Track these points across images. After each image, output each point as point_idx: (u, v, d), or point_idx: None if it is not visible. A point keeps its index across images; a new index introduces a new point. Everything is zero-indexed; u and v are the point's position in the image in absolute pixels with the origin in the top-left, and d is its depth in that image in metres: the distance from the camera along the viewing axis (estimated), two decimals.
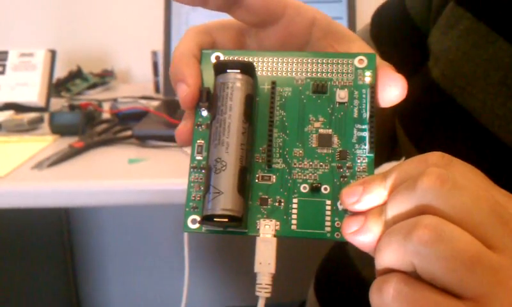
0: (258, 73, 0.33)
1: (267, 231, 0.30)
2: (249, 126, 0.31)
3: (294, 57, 0.33)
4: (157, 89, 1.19)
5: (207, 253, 1.44)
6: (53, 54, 1.11)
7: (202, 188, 0.31)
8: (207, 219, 0.30)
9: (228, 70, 0.31)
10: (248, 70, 0.32)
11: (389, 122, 0.52)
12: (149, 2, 1.28)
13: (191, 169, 0.32)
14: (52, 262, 1.44)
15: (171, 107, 1.00)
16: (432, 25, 0.48)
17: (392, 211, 0.27)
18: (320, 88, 0.32)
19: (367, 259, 0.53)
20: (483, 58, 0.40)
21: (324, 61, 0.33)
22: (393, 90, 0.31)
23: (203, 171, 0.31)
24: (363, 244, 0.28)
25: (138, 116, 0.94)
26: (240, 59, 0.33)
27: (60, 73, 1.22)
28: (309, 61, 0.33)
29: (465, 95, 0.41)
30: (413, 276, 0.25)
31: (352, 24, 1.07)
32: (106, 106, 1.03)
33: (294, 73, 0.33)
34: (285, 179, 0.31)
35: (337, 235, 0.30)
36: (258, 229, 0.30)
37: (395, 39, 0.54)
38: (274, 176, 0.31)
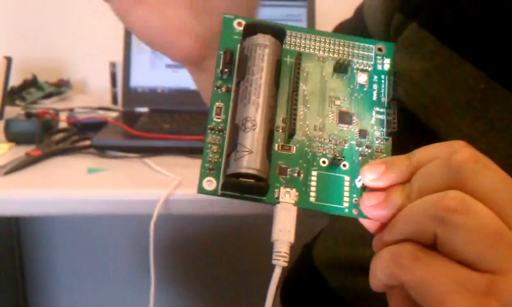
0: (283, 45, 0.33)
1: (288, 199, 0.30)
2: (276, 91, 0.31)
3: (317, 35, 0.34)
4: (114, 101, 1.18)
5: (173, 269, 1.43)
6: (9, 60, 1.09)
7: (220, 150, 0.30)
8: (231, 177, 0.29)
9: (259, 33, 0.31)
10: (279, 34, 0.32)
11: None
12: (109, 13, 1.27)
13: (208, 130, 0.31)
14: (0, 275, 1.40)
15: (131, 118, 1.00)
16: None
17: (420, 185, 0.28)
18: (342, 68, 0.33)
19: (334, 268, 0.54)
20: (447, 79, 0.42)
21: (345, 44, 0.34)
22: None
23: (220, 133, 0.31)
24: (382, 217, 0.29)
25: (96, 126, 0.93)
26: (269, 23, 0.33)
27: (14, 81, 1.20)
28: (331, 41, 0.34)
29: (429, 114, 0.42)
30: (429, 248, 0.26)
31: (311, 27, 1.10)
32: (62, 116, 1.02)
33: (316, 50, 0.34)
34: (305, 151, 0.31)
35: (355, 211, 0.31)
36: (277, 197, 0.30)
37: None
38: (294, 147, 0.31)
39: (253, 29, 0.32)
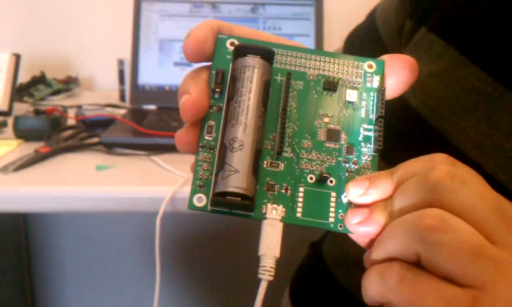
0: (273, 64, 0.34)
1: (274, 215, 0.31)
2: (264, 111, 0.32)
3: (307, 53, 0.35)
4: (122, 98, 1.19)
5: (178, 264, 1.43)
6: (17, 58, 1.09)
7: (210, 168, 0.31)
8: (218, 196, 0.30)
9: (248, 55, 0.32)
10: (267, 56, 0.33)
11: None
12: (117, 10, 1.27)
13: (199, 148, 0.32)
14: (8, 272, 1.41)
15: (138, 116, 1.00)
16: (403, 49, 0.49)
17: (400, 203, 0.28)
18: (331, 85, 0.34)
19: (344, 265, 0.54)
20: (454, 81, 0.42)
21: (335, 61, 0.35)
22: (404, 72, 0.33)
23: (211, 151, 0.32)
24: (366, 234, 0.30)
25: (105, 123, 0.93)
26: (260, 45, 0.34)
27: (23, 78, 1.20)
28: (321, 59, 0.35)
29: (436, 116, 0.43)
30: (414, 265, 0.27)
31: (319, 42, 1.10)
32: (71, 112, 1.02)
33: (306, 69, 0.34)
34: (293, 168, 0.32)
35: (340, 226, 0.31)
36: (264, 213, 0.31)
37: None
38: (282, 164, 0.32)
39: (242, 50, 0.32)
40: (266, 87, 0.32)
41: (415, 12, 0.48)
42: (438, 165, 0.28)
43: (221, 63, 0.34)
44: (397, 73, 0.33)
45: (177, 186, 0.70)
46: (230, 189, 0.30)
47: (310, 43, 1.10)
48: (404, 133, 0.46)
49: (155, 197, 0.70)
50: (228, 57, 0.34)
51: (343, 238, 0.57)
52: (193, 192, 0.31)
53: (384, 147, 0.49)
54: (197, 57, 0.33)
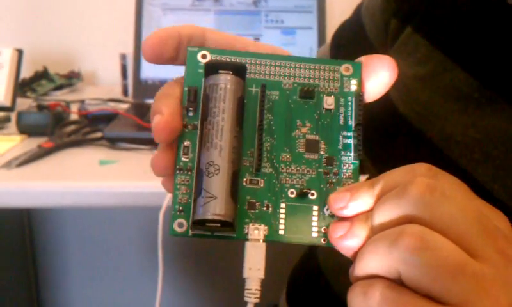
0: (246, 75, 0.32)
1: (256, 235, 0.30)
2: (240, 130, 0.31)
3: (281, 61, 0.33)
4: (125, 92, 1.19)
5: (181, 259, 1.44)
6: (20, 53, 1.09)
7: (189, 191, 0.30)
8: (197, 224, 0.29)
9: (219, 71, 0.31)
10: (239, 71, 0.31)
11: None
12: (119, 5, 1.27)
13: (176, 171, 0.31)
14: (13, 266, 1.41)
15: (141, 110, 1.00)
16: (389, 49, 0.48)
17: (379, 218, 0.28)
18: (308, 93, 0.32)
19: (338, 273, 0.53)
20: (440, 86, 0.41)
21: (311, 67, 0.33)
22: (383, 72, 0.32)
23: (189, 172, 0.31)
24: (349, 248, 0.29)
25: (108, 118, 0.93)
26: (231, 59, 0.32)
27: (26, 73, 1.20)
28: (296, 65, 0.33)
29: (423, 121, 0.42)
30: (397, 283, 0.26)
31: (322, 34, 1.09)
32: (74, 107, 1.02)
33: (281, 77, 0.33)
34: (273, 183, 0.31)
35: (324, 240, 0.30)
36: (246, 233, 0.30)
37: (354, 58, 0.55)
38: (262, 181, 0.31)
39: (213, 67, 0.31)
40: (240, 105, 0.31)
41: (400, 10, 0.46)
42: (417, 179, 0.27)
43: (193, 79, 0.32)
44: (376, 75, 0.32)
45: None
46: (209, 217, 0.29)
47: (312, 35, 1.10)
48: (392, 137, 0.45)
49: (158, 191, 0.70)
50: (200, 70, 0.32)
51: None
52: (173, 218, 0.30)
53: (373, 152, 0.48)
54: (154, 59, 0.32)
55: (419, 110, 0.42)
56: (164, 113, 0.30)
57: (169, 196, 0.68)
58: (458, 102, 0.40)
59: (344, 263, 0.53)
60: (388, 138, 0.45)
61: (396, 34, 0.46)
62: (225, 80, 0.31)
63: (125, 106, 1.06)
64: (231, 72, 0.31)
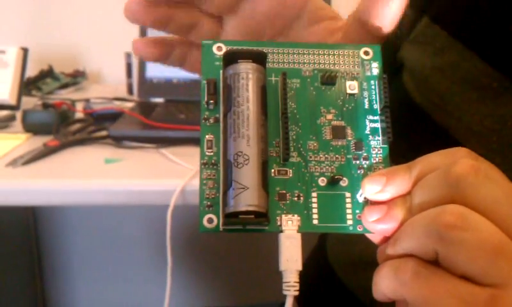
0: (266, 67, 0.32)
1: (290, 226, 0.29)
2: (265, 119, 0.30)
3: (299, 48, 0.33)
4: (130, 91, 1.19)
5: (188, 257, 1.43)
6: (25, 52, 1.09)
7: (216, 185, 0.30)
8: (230, 217, 0.28)
9: (239, 60, 0.30)
10: (260, 59, 0.31)
11: None
12: (124, 3, 1.27)
13: (201, 166, 0.30)
14: (18, 265, 1.41)
15: (146, 109, 1.00)
16: (405, 38, 0.47)
17: (419, 199, 0.27)
18: (329, 79, 0.32)
19: (348, 267, 0.53)
20: (458, 76, 0.41)
21: (330, 53, 0.33)
22: (392, 5, 0.32)
23: (214, 166, 0.30)
24: (384, 231, 0.29)
25: (113, 116, 0.93)
26: (249, 49, 0.31)
27: (31, 71, 1.21)
28: (315, 52, 0.33)
29: (440, 112, 0.41)
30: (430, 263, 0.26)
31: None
32: (79, 106, 1.02)
33: (300, 65, 0.32)
34: (302, 173, 0.31)
35: (360, 227, 0.30)
36: (279, 225, 0.29)
37: None
38: (290, 170, 0.30)
39: (232, 57, 0.30)
40: (263, 93, 0.30)
41: (416, 0, 0.47)
42: (461, 159, 0.26)
43: (211, 71, 0.32)
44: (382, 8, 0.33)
45: (187, 179, 0.70)
46: (243, 208, 0.28)
47: None
48: (407, 129, 0.45)
49: (164, 190, 0.70)
50: (217, 63, 0.32)
51: (345, 236, 0.56)
52: (202, 214, 0.29)
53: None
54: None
55: (436, 101, 0.42)
56: None
57: (177, 194, 0.68)
58: (476, 91, 0.39)
59: (354, 258, 0.54)
60: (404, 129, 0.45)
61: (412, 24, 0.46)
62: (246, 68, 0.30)
63: (130, 105, 1.06)
64: (251, 60, 0.30)
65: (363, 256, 0.51)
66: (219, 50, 0.32)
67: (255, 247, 1.40)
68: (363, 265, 0.51)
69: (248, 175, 0.28)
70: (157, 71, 1.10)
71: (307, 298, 0.61)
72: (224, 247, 1.42)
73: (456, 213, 0.25)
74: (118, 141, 0.85)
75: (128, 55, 1.18)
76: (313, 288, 0.60)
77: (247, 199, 0.28)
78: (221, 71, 0.32)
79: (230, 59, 0.31)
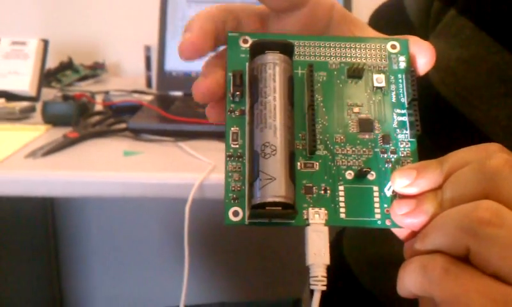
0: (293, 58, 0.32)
1: (317, 219, 0.29)
2: (292, 109, 0.30)
3: (326, 41, 0.33)
4: (149, 84, 1.19)
5: (206, 253, 1.44)
6: (45, 43, 1.10)
7: (241, 178, 0.29)
8: (256, 208, 0.28)
9: (266, 51, 0.30)
10: (287, 50, 0.31)
11: None
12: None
13: (227, 158, 0.30)
14: (35, 256, 1.43)
15: (165, 102, 1.00)
16: (431, 31, 0.47)
17: (451, 193, 0.27)
18: (356, 72, 0.32)
19: (364, 264, 0.52)
20: (485, 68, 0.40)
21: (357, 46, 0.33)
22: (421, 59, 0.32)
23: (240, 159, 0.30)
24: (412, 226, 0.28)
25: (132, 109, 0.93)
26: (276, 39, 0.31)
27: (51, 63, 1.21)
28: (342, 45, 0.33)
29: (467, 105, 0.41)
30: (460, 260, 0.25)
31: (347, 8, 1.08)
32: (98, 98, 1.02)
33: (327, 58, 0.32)
34: (329, 166, 0.30)
35: (388, 222, 0.29)
36: (306, 219, 0.29)
37: None
38: (317, 163, 0.30)
39: (260, 47, 0.30)
40: (290, 84, 0.30)
41: None
42: (495, 154, 0.26)
43: (237, 63, 0.31)
44: (425, 54, 0.32)
45: (205, 173, 0.69)
46: (269, 199, 0.27)
47: None
48: (433, 122, 0.45)
49: (183, 183, 0.70)
50: (243, 55, 0.32)
51: (361, 233, 0.55)
52: (227, 207, 0.29)
53: None
54: (195, 56, 0.31)
55: (463, 94, 0.41)
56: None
57: (195, 188, 0.68)
58: (504, 84, 0.39)
59: (369, 255, 0.53)
60: (429, 123, 0.45)
61: (439, 16, 0.46)
62: (274, 59, 0.30)
63: (149, 98, 1.06)
64: (278, 51, 0.30)
65: (379, 256, 0.51)
66: (245, 42, 0.32)
67: (271, 244, 1.40)
68: (379, 265, 0.51)
69: (275, 166, 0.28)
70: (176, 64, 1.10)
71: (325, 293, 0.61)
72: (241, 243, 1.42)
73: (491, 209, 0.24)
74: (137, 133, 0.85)
75: (147, 48, 1.18)
76: (331, 284, 0.60)
77: (274, 190, 0.28)
78: (247, 64, 0.31)
79: (257, 50, 0.30)
